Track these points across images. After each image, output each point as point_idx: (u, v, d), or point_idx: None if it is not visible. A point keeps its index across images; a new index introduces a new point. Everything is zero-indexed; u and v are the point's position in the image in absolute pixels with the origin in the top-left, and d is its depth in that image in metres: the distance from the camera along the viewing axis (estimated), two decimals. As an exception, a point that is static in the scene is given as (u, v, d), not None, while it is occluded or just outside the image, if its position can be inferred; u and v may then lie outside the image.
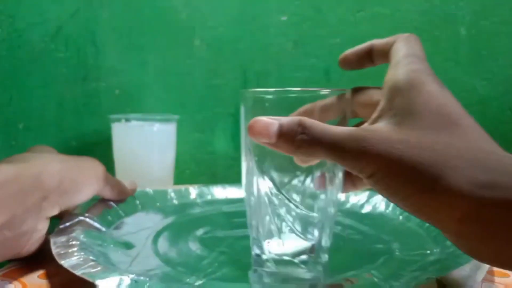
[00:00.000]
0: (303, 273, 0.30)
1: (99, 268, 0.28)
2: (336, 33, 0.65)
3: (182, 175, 0.67)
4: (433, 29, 0.65)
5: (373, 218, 0.47)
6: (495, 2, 0.65)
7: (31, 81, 0.65)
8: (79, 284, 0.27)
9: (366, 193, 0.52)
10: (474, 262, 0.31)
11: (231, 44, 0.66)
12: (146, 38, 0.65)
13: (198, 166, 0.68)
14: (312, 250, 0.30)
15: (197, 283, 0.29)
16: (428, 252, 0.36)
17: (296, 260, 0.30)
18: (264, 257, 0.31)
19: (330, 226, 0.30)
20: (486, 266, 0.31)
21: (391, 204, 0.48)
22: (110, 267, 0.29)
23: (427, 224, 0.42)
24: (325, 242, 0.31)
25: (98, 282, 0.26)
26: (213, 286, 0.29)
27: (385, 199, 0.49)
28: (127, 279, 0.26)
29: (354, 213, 0.49)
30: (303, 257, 0.30)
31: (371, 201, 0.51)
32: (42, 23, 0.64)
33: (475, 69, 0.66)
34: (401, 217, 0.46)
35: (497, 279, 0.32)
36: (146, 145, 0.56)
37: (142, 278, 0.27)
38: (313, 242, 0.30)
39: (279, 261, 0.30)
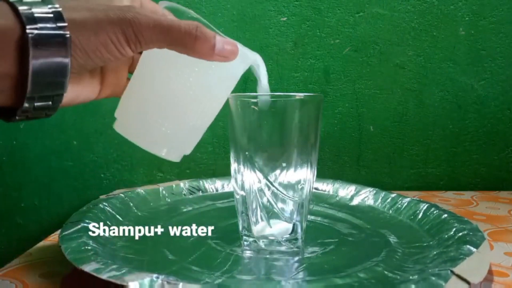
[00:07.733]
0: (286, 248, 0.36)
1: (123, 271, 0.28)
2: (336, 34, 0.66)
3: (183, 175, 0.68)
4: (432, 29, 0.65)
5: (364, 211, 0.48)
6: (493, 2, 0.65)
7: (32, 81, 0.66)
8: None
9: (353, 187, 0.53)
10: (477, 253, 0.31)
11: (231, 45, 0.66)
12: (146, 38, 0.66)
13: (198, 166, 0.68)
14: (293, 230, 0.36)
15: (216, 282, 0.30)
16: (425, 244, 0.37)
17: (280, 239, 0.36)
18: (252, 239, 0.36)
19: (306, 207, 0.36)
20: (490, 256, 0.32)
21: (380, 198, 0.50)
22: (132, 269, 0.29)
23: (419, 218, 0.43)
24: (303, 221, 0.36)
25: (130, 284, 0.26)
26: (232, 283, 0.30)
27: (373, 192, 0.51)
28: (157, 280, 0.26)
29: (344, 206, 0.50)
30: (286, 236, 0.36)
31: (360, 194, 0.52)
32: (43, 23, 0.65)
33: (473, 68, 0.66)
34: (390, 211, 0.47)
35: (496, 278, 0.32)
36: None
37: (171, 277, 0.27)
38: (294, 222, 0.36)
39: (265, 241, 0.36)
